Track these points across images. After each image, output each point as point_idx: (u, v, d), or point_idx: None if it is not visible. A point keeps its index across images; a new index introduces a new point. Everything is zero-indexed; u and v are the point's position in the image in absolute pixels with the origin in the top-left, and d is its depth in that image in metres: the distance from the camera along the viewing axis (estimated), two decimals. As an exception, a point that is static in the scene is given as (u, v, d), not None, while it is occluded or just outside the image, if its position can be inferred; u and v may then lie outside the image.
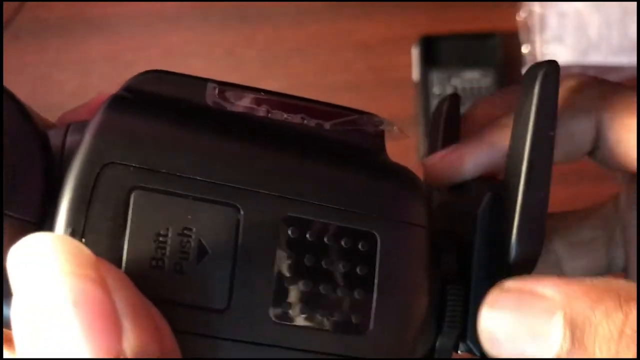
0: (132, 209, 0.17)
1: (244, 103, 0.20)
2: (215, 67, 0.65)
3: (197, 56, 0.65)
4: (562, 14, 0.63)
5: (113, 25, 0.66)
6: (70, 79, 0.66)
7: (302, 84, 0.64)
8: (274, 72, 0.64)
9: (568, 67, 0.63)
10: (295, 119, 0.20)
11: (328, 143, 0.20)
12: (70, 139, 0.19)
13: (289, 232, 0.18)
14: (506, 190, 0.20)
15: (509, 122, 0.21)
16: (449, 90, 0.61)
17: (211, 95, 0.20)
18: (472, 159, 0.23)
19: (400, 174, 0.20)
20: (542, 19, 0.63)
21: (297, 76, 0.64)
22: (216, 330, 0.17)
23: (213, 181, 0.18)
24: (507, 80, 0.64)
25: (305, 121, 0.20)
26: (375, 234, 0.19)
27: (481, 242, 0.21)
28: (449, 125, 0.25)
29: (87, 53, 0.66)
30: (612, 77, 0.64)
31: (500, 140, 0.22)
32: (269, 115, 0.20)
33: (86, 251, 0.15)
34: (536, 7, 0.63)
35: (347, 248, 0.18)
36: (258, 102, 0.20)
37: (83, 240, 0.17)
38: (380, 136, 0.21)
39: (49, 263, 0.14)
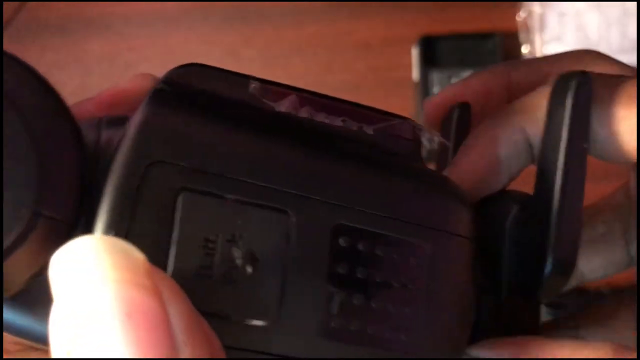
0: (180, 212, 0.16)
1: (287, 103, 0.19)
2: (215, 67, 0.65)
3: (197, 56, 0.65)
4: (562, 14, 0.63)
5: (113, 25, 0.66)
6: (70, 78, 0.66)
7: (302, 84, 0.64)
8: (274, 72, 0.64)
9: (568, 67, 0.63)
10: (337, 121, 0.19)
11: (371, 149, 0.19)
12: (106, 134, 0.18)
13: (341, 241, 0.17)
14: (537, 202, 0.20)
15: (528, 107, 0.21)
16: (448, 90, 0.61)
17: (254, 93, 0.19)
18: (503, 163, 0.22)
19: (445, 183, 0.20)
20: (542, 18, 0.63)
21: (297, 76, 0.64)
22: (266, 345, 0.16)
23: (264, 184, 0.17)
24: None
25: (347, 124, 0.19)
26: (427, 245, 0.18)
27: (510, 254, 0.20)
28: (459, 136, 0.25)
29: (87, 53, 0.66)
30: (611, 77, 0.64)
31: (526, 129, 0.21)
32: (312, 117, 0.19)
33: (139, 256, 0.14)
34: (536, 7, 0.63)
35: (398, 260, 0.18)
36: (301, 102, 0.19)
37: None
38: (418, 143, 0.20)
39: (100, 269, 0.13)
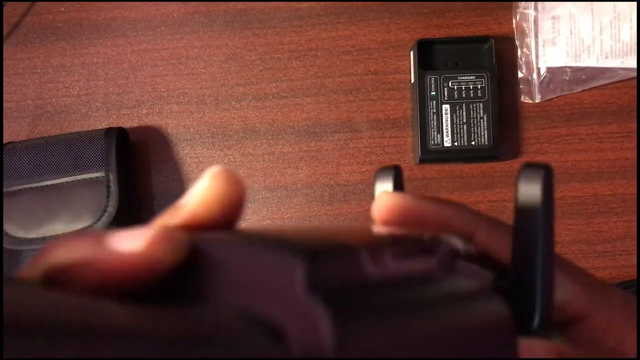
0: None
1: None
2: (217, 70, 0.66)
3: (200, 59, 0.66)
4: (556, 17, 0.64)
5: (119, 29, 0.67)
6: (76, 81, 0.67)
7: (302, 87, 0.65)
8: (274, 75, 0.65)
9: (561, 70, 0.64)
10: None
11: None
12: None
13: None
14: (518, 271, 0.22)
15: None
16: (445, 92, 0.62)
17: None
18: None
19: (492, 299, 0.19)
20: (536, 22, 0.64)
21: (297, 79, 0.65)
22: None
23: None
24: (502, 83, 0.65)
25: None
26: None
27: None
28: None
29: (93, 56, 0.67)
30: (604, 80, 0.65)
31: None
32: None
33: None
34: (530, 10, 0.64)
35: None
36: None
37: None
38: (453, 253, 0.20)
39: None
